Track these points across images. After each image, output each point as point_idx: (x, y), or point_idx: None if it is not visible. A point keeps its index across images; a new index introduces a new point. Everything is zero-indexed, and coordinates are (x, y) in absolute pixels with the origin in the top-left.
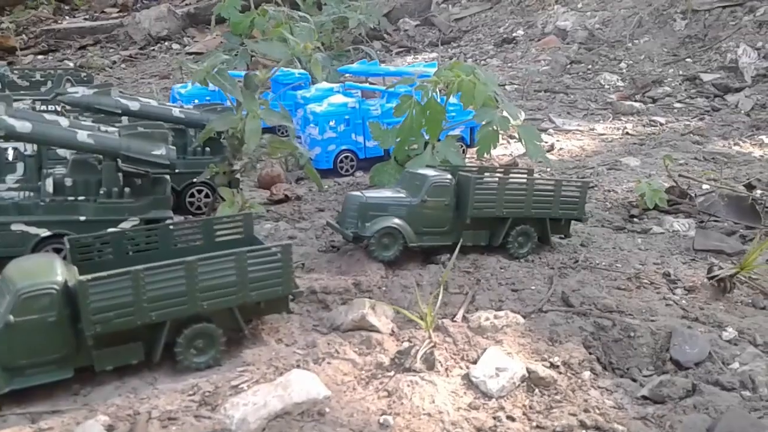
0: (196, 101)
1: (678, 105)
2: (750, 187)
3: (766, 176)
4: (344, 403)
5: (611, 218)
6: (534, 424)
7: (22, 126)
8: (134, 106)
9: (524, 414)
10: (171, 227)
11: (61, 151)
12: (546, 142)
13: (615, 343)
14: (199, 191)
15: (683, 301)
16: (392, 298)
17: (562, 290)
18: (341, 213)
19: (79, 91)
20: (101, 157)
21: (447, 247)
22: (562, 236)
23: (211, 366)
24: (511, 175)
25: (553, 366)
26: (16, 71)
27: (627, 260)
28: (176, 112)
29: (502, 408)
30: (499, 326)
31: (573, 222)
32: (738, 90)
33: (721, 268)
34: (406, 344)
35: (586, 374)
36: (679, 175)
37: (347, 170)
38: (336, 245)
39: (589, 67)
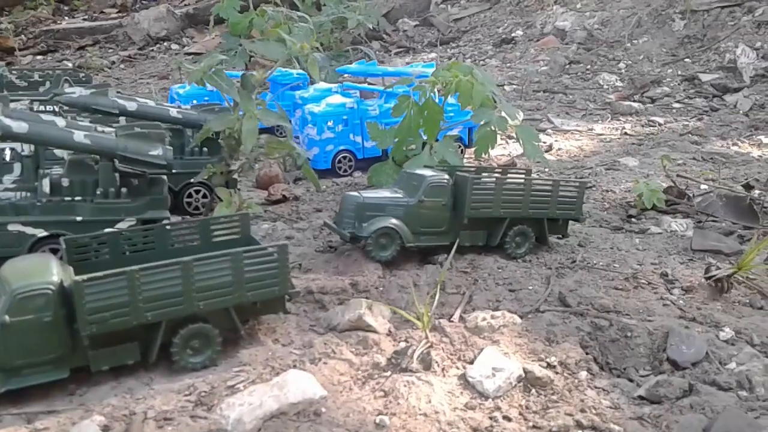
0: (195, 102)
1: (677, 105)
2: (748, 187)
3: (765, 176)
4: (340, 403)
5: (609, 218)
6: (530, 424)
7: (19, 126)
8: (131, 106)
9: (520, 414)
10: (168, 227)
11: (59, 152)
12: (544, 143)
13: (612, 343)
14: (197, 191)
15: (680, 301)
16: (389, 299)
17: (559, 290)
18: (338, 213)
19: (76, 92)
20: (98, 157)
21: (444, 248)
22: (560, 236)
23: (208, 366)
24: (509, 175)
25: (549, 366)
26: (14, 71)
27: (624, 260)
28: (174, 112)
29: (498, 408)
30: (495, 326)
31: (571, 222)
32: (736, 90)
33: (718, 268)
34: (402, 344)
35: (583, 374)
36: (677, 175)
37: (345, 170)
38: (333, 245)
39: (588, 67)
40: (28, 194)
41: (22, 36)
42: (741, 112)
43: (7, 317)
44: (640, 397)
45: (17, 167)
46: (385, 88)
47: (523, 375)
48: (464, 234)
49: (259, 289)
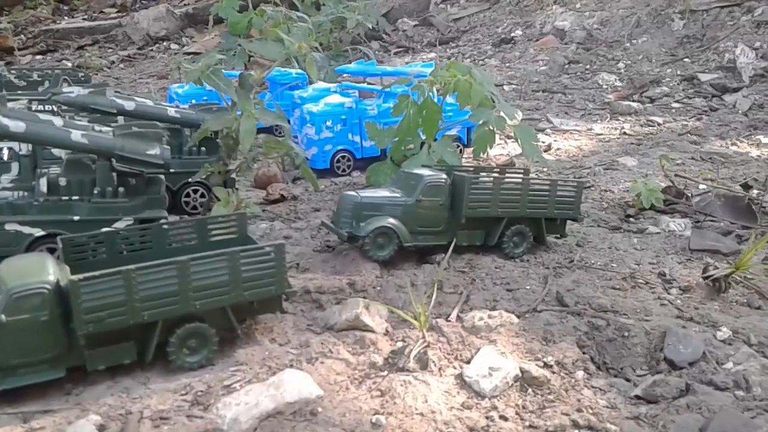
0: (193, 101)
1: (676, 105)
2: (746, 187)
3: (763, 176)
4: (337, 402)
5: (607, 218)
6: (527, 423)
7: (16, 126)
8: (129, 105)
9: (517, 413)
10: (165, 227)
11: (56, 151)
12: (543, 142)
13: (609, 343)
14: (195, 191)
15: (678, 301)
16: (387, 298)
17: (556, 290)
18: (336, 213)
19: (74, 91)
20: (95, 156)
21: (442, 247)
22: (558, 236)
23: (204, 366)
24: (507, 175)
25: (546, 366)
26: (13, 71)
27: (622, 260)
28: (172, 111)
29: (495, 407)
30: (493, 326)
31: (569, 222)
32: (736, 90)
33: (716, 267)
34: (399, 344)
35: (580, 374)
36: (676, 175)
37: (344, 170)
38: (331, 245)
39: (587, 67)
40: (26, 193)
41: (22, 36)
42: (740, 111)
43: (3, 316)
44: (637, 397)
45: (15, 166)
46: (383, 87)
47: (520, 374)
48: (462, 234)
49: (255, 289)
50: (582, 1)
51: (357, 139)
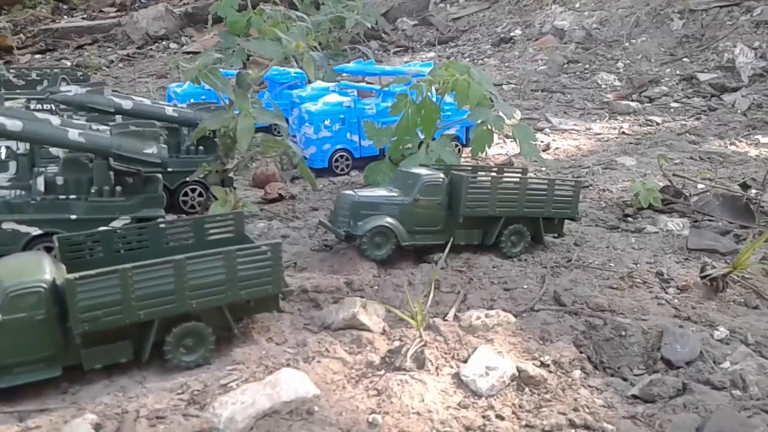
0: (192, 100)
1: (675, 104)
2: (745, 186)
3: (761, 176)
4: (333, 401)
5: (605, 217)
6: (523, 422)
7: (13, 124)
8: (127, 104)
9: (513, 413)
10: (162, 226)
11: (54, 150)
12: (542, 142)
13: (606, 342)
14: (193, 190)
15: (675, 301)
16: (384, 297)
17: (554, 289)
18: (333, 212)
19: (72, 90)
20: (93, 155)
21: (440, 246)
22: (556, 235)
23: (201, 365)
24: (505, 174)
25: (543, 365)
26: (12, 70)
27: (620, 259)
28: (169, 110)
29: (491, 407)
30: (490, 325)
31: (567, 221)
32: (735, 90)
33: (714, 267)
34: (396, 343)
35: (577, 373)
36: (674, 175)
37: (342, 169)
38: (329, 244)
39: (587, 66)
40: (23, 192)
41: (21, 35)
42: (739, 111)
43: None
44: (634, 396)
45: (12, 165)
46: (382, 87)
47: (517, 374)
48: (460, 233)
49: (252, 288)
50: (581, 1)
51: (355, 138)
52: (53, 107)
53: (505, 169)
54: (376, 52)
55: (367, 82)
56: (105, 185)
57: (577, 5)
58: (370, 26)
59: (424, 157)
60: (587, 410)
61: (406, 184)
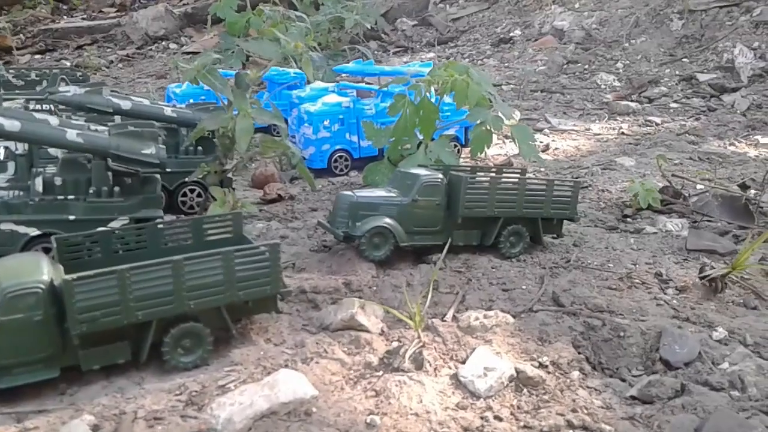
0: (191, 101)
1: (674, 105)
2: (744, 187)
3: (761, 176)
4: (331, 402)
5: (604, 218)
6: (521, 423)
7: (11, 125)
8: (126, 105)
9: (512, 414)
10: (160, 226)
11: (53, 150)
12: (541, 142)
13: (604, 343)
14: (192, 190)
15: (674, 301)
16: (383, 298)
17: (552, 290)
18: (332, 212)
19: (71, 90)
20: (91, 156)
21: (438, 247)
22: (555, 236)
23: (199, 366)
24: (504, 174)
25: (541, 366)
26: (11, 70)
27: (619, 260)
28: (168, 111)
29: (489, 408)
30: (488, 326)
31: (566, 221)
32: (734, 90)
33: (713, 267)
34: (395, 344)
35: (575, 374)
36: (673, 175)
37: (341, 170)
38: (327, 245)
39: (586, 67)
40: (22, 193)
41: (21, 35)
42: (738, 112)
43: None
44: (632, 397)
45: (11, 166)
46: (381, 87)
47: (515, 375)
48: (458, 233)
49: (250, 288)
50: (581, 1)
51: (354, 138)
52: (52, 108)
53: (504, 170)
54: (375, 52)
55: (367, 83)
56: (103, 186)
57: (576, 5)
58: (369, 26)
59: (423, 157)
60: (585, 411)
61: (405, 185)
